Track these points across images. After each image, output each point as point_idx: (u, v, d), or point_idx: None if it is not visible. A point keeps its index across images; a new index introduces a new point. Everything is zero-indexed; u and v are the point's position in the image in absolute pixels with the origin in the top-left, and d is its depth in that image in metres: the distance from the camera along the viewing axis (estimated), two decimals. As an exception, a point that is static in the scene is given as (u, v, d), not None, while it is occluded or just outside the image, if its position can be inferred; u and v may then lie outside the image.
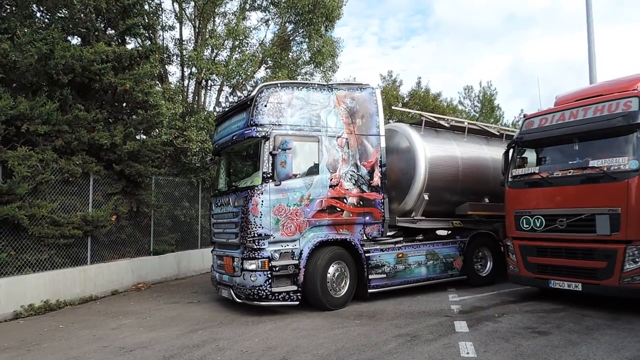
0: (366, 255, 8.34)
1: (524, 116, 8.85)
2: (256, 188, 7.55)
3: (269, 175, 7.58)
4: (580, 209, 7.27)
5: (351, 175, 8.38)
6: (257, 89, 7.94)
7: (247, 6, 17.43)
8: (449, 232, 10.35)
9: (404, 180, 9.28)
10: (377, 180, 8.68)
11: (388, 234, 8.97)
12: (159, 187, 12.44)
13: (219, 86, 17.42)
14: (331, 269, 7.91)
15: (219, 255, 8.57)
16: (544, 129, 8.05)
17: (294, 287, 7.61)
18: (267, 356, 5.55)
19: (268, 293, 7.41)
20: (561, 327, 6.35)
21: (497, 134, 11.24)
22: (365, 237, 8.52)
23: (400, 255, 8.81)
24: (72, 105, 9.50)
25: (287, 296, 7.56)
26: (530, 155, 8.60)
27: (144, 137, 12.20)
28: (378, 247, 8.62)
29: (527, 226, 7.99)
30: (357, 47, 69.27)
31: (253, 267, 7.47)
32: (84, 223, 9.46)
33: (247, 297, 7.60)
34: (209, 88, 17.38)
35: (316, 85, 8.54)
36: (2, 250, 8.06)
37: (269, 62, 18.19)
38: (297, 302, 7.63)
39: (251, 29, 17.08)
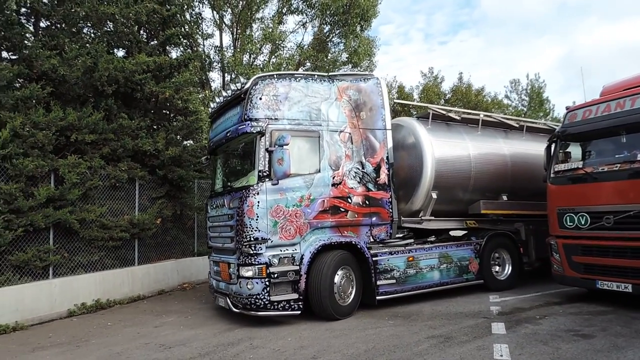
0: (373, 259, 7.73)
1: (567, 108, 8.45)
2: (251, 188, 7.02)
3: (265, 174, 7.03)
4: (628, 206, 6.86)
5: (355, 172, 7.83)
6: (251, 80, 7.40)
7: (285, 10, 17.69)
8: (466, 232, 9.65)
9: (410, 178, 8.70)
10: (384, 177, 8.11)
11: (397, 235, 8.50)
12: (201, 191, 12.84)
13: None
14: (338, 275, 7.36)
15: (215, 262, 8.05)
16: (588, 122, 7.66)
17: (295, 295, 7.05)
18: (298, 355, 5.63)
19: (266, 302, 6.88)
20: (607, 330, 6.01)
21: (517, 126, 10.39)
22: (372, 240, 7.97)
23: (410, 258, 8.19)
24: (117, 114, 10.04)
25: (287, 305, 7.01)
26: (574, 150, 8.20)
27: (185, 142, 12.66)
28: (386, 250, 8.04)
29: (571, 224, 7.62)
30: (402, 44, 68.12)
31: (250, 274, 6.94)
32: (131, 226, 9.96)
33: (244, 306, 7.09)
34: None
35: (316, 75, 7.96)
36: (56, 252, 8.61)
37: (308, 64, 18.38)
38: (299, 312, 7.12)
39: (287, 32, 17.34)
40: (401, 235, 8.71)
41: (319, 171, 7.48)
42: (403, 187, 8.74)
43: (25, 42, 8.83)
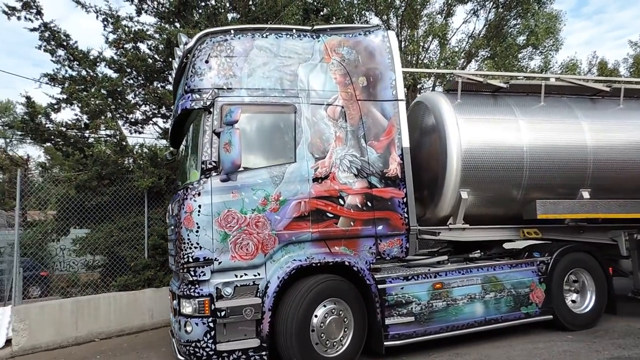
0: (379, 286, 5.43)
1: None
2: (190, 187, 5.03)
3: (211, 166, 4.98)
4: None
5: (351, 161, 5.52)
6: (195, 38, 5.48)
7: (452, 1, 17.15)
8: (544, 244, 6.99)
9: (434, 173, 6.46)
10: (394, 168, 5.66)
11: (430, 250, 6.56)
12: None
13: (430, 88, 17.63)
14: (319, 312, 5.16)
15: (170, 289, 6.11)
16: None
17: (255, 342, 4.91)
18: (451, 362, 5.43)
19: (211, 352, 4.82)
20: None
21: (607, 90, 7.10)
22: (379, 257, 5.60)
23: (437, 285, 5.77)
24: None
25: (244, 356, 4.90)
26: None
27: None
28: (400, 273, 5.70)
29: None
30: (620, 10, 56.58)
31: (189, 310, 4.92)
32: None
33: (184, 355, 5.07)
34: (418, 92, 17.73)
35: (293, 30, 5.76)
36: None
37: (483, 53, 17.42)
38: None
39: (452, 24, 16.66)
40: (435, 250, 6.90)
41: (294, 160, 5.30)
42: (428, 187, 6.61)
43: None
